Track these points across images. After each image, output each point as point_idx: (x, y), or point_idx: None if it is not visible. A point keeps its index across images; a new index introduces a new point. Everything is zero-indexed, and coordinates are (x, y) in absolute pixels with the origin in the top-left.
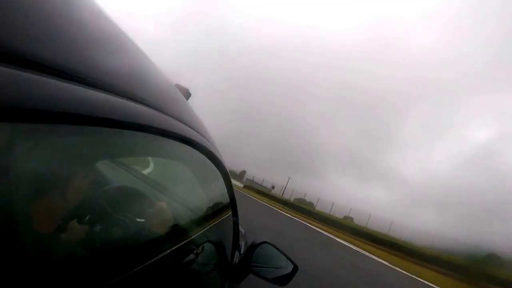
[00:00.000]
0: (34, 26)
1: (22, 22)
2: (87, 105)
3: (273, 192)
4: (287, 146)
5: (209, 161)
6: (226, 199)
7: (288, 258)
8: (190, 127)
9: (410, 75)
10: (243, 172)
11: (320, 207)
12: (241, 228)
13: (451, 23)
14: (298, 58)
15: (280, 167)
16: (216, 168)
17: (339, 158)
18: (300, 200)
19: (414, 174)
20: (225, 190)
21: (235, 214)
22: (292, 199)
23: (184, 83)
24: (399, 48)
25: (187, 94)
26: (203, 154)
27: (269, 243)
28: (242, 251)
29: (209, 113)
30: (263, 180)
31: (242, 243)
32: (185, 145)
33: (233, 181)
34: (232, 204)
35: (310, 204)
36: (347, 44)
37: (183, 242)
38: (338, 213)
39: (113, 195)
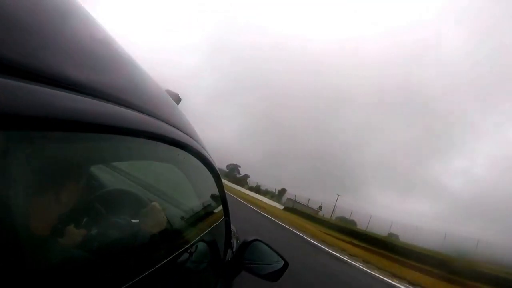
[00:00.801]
0: (26, 35)
1: (14, 32)
2: (80, 112)
3: (321, 214)
4: (329, 162)
5: (200, 163)
6: (217, 199)
7: (279, 254)
8: (181, 130)
9: (448, 76)
10: (283, 191)
11: (364, 225)
12: (232, 227)
13: (487, 17)
14: (332, 72)
15: (324, 184)
16: (207, 170)
17: (382, 171)
18: (342, 218)
19: (458, 183)
20: (217, 191)
21: (226, 213)
22: (348, 220)
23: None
24: (433, 51)
25: (177, 99)
26: (194, 156)
27: (260, 241)
28: (234, 249)
29: (245, 133)
30: (309, 199)
31: (234, 241)
32: (176, 148)
33: (271, 202)
34: (223, 204)
35: (352, 222)
36: (378, 52)
37: (177, 242)
38: (381, 230)
39: (108, 199)
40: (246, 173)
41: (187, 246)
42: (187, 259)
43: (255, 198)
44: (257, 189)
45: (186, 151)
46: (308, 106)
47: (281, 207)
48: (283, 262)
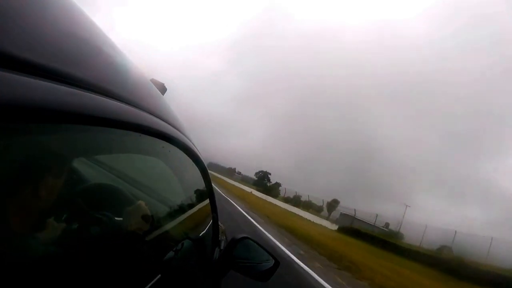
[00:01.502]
0: (9, 25)
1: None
2: (60, 102)
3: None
4: (378, 166)
5: (186, 156)
6: (204, 194)
7: (269, 253)
8: (166, 122)
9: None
10: (334, 203)
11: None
12: (220, 224)
13: None
14: (374, 64)
15: (372, 192)
16: (194, 164)
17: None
18: (386, 232)
19: None
20: (204, 186)
21: (214, 209)
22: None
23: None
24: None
25: (162, 89)
26: (180, 149)
27: (250, 238)
28: (222, 247)
29: (275, 136)
30: (377, 215)
31: (222, 239)
32: (161, 140)
33: (316, 219)
34: (211, 200)
35: (399, 235)
36: (420, 40)
37: (162, 240)
38: (431, 242)
39: (90, 193)
40: (278, 181)
41: (174, 244)
42: (173, 258)
43: (295, 213)
44: (296, 202)
45: (171, 144)
46: (346, 103)
47: (334, 226)
48: (273, 261)
